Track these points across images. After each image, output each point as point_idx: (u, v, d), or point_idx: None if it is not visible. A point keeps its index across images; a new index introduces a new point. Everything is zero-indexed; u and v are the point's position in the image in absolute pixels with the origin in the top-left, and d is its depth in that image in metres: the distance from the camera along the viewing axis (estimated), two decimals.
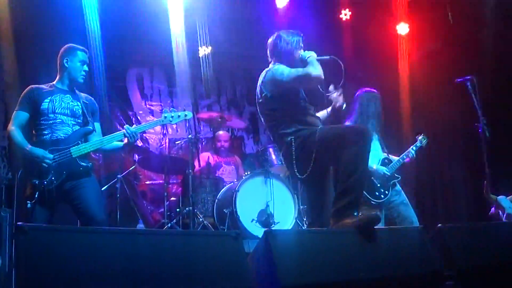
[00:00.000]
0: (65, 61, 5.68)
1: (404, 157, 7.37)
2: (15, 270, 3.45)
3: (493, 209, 7.74)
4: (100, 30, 8.75)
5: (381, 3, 10.59)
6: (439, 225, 5.63)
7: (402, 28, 10.80)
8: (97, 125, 5.83)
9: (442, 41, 10.66)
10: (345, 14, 10.98)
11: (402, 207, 7.15)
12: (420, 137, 7.47)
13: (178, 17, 9.52)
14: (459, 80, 7.36)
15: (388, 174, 7.11)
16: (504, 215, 7.75)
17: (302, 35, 5.85)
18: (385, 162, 7.24)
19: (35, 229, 3.65)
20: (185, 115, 6.12)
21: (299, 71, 5.38)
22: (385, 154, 7.36)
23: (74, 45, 5.80)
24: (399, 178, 7.25)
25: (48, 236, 3.66)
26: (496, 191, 7.84)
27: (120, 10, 9.49)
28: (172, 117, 5.99)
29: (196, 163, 8.88)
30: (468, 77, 7.23)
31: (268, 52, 5.89)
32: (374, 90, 7.35)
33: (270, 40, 5.88)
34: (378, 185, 7.08)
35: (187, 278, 3.89)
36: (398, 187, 7.29)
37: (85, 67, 5.74)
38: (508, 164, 8.97)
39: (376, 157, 7.19)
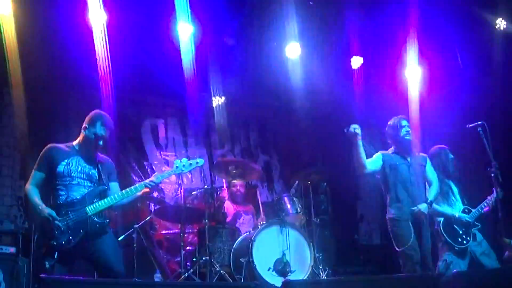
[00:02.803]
0: (84, 127, 5.81)
1: (483, 206, 7.79)
2: None
3: (507, 253, 7.75)
4: (114, 81, 8.88)
5: (390, 50, 10.68)
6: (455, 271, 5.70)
7: (413, 73, 10.86)
8: (114, 185, 5.94)
9: (453, 85, 10.71)
10: (356, 62, 11.06)
11: (483, 258, 7.49)
12: (498, 189, 7.61)
13: (191, 68, 9.64)
14: (470, 125, 7.41)
15: (470, 221, 7.55)
16: None
17: None
18: (465, 211, 7.69)
19: (56, 281, 3.74)
20: (197, 163, 6.13)
21: None
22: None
23: (100, 114, 5.90)
24: (479, 226, 7.65)
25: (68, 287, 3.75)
26: (509, 234, 7.85)
27: (133, 63, 9.65)
28: (184, 166, 6.04)
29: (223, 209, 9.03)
30: (480, 122, 7.28)
31: None
32: (445, 146, 7.96)
33: None
34: (461, 232, 7.50)
35: None
36: (480, 236, 7.65)
37: (100, 142, 5.77)
38: None
39: (458, 206, 7.72)
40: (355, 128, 6.76)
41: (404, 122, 7.21)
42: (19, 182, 9.00)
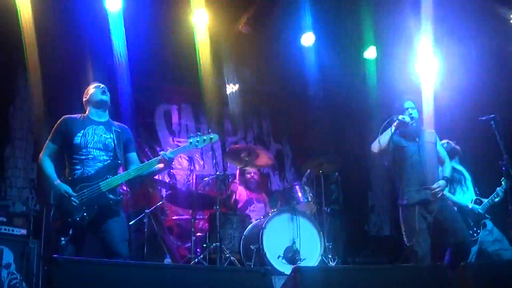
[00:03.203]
0: (85, 101, 5.92)
1: (494, 197, 7.90)
2: None
3: None
4: (129, 67, 8.92)
5: (405, 39, 10.66)
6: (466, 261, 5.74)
7: (426, 63, 10.84)
8: (133, 155, 5.96)
9: (469, 77, 10.69)
10: (370, 52, 11.05)
11: (496, 244, 7.72)
12: (503, 180, 7.63)
13: (206, 55, 9.67)
14: (483, 118, 7.40)
15: (482, 212, 7.72)
16: None
17: None
18: (477, 202, 7.84)
19: (68, 261, 3.79)
20: (211, 138, 6.01)
21: None
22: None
23: (94, 83, 6.02)
24: (489, 217, 7.81)
25: (80, 268, 3.80)
26: None
27: (149, 48, 9.69)
28: (197, 141, 5.91)
29: (233, 198, 9.08)
30: (492, 115, 7.28)
31: None
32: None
33: None
34: (472, 223, 7.66)
35: None
36: (490, 224, 7.82)
37: (102, 97, 5.86)
38: None
39: (470, 196, 7.88)
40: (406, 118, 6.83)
41: (407, 104, 7.07)
42: (31, 164, 9.05)
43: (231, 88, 10.49)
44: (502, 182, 7.66)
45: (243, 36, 10.32)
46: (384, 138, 6.87)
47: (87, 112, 5.89)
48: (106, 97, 5.89)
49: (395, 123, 6.80)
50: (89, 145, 5.62)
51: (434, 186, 6.65)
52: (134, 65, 9.07)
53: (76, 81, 8.95)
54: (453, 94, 10.18)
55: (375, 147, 7.00)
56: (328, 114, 11.66)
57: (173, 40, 9.77)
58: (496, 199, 7.92)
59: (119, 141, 5.80)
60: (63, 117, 5.80)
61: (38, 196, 8.88)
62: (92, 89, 5.90)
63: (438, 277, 5.09)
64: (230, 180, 9.79)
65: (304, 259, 7.62)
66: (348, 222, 11.18)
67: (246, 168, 9.19)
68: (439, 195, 6.65)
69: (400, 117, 6.79)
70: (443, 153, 7.19)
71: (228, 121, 11.01)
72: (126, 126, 6.06)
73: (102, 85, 5.93)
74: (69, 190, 5.40)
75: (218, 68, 10.09)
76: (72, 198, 5.37)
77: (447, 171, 6.97)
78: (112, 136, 5.77)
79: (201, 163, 10.89)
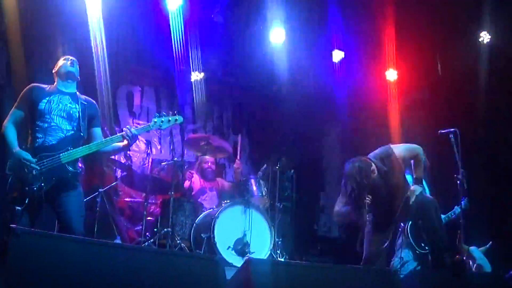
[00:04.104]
0: (53, 70, 5.89)
1: (451, 215, 8.11)
2: (5, 269, 3.57)
3: (464, 258, 7.93)
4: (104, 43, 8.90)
5: (372, 48, 10.79)
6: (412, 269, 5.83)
7: (391, 75, 10.99)
8: (97, 130, 5.90)
9: (430, 90, 10.86)
10: (337, 55, 11.14)
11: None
12: (464, 201, 7.71)
13: (175, 40, 9.66)
14: (442, 132, 7.49)
15: None
16: (474, 266, 7.97)
17: None
18: None
19: (26, 232, 3.77)
20: (176, 120, 5.95)
21: None
22: None
23: (64, 56, 5.98)
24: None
25: (37, 240, 3.79)
26: (468, 242, 8.05)
27: (117, 29, 9.64)
28: (162, 121, 5.85)
29: (186, 183, 9.07)
30: (452, 129, 7.36)
31: None
32: None
33: None
34: (426, 238, 7.42)
35: None
36: None
37: (69, 68, 5.82)
38: (481, 216, 9.18)
39: None
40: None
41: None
42: None
43: (196, 76, 10.47)
44: (464, 202, 7.75)
45: (214, 25, 10.32)
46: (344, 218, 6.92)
47: (55, 83, 5.85)
48: (74, 69, 5.84)
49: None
50: (53, 112, 5.56)
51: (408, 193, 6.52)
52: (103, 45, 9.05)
53: (44, 55, 8.92)
54: (413, 106, 10.35)
55: (338, 219, 7.20)
56: (290, 113, 11.71)
57: (142, 21, 9.74)
58: (453, 217, 8.08)
59: (84, 114, 5.73)
60: (31, 84, 5.77)
61: None
62: (62, 61, 5.86)
63: (386, 281, 5.17)
64: (186, 166, 9.79)
65: (253, 252, 7.70)
66: (298, 220, 11.22)
67: (204, 156, 9.20)
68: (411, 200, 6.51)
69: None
70: (410, 153, 6.74)
71: (189, 108, 10.99)
72: (93, 101, 6.00)
73: (71, 58, 5.89)
74: (29, 156, 5.34)
75: (185, 54, 10.06)
76: (32, 165, 5.30)
77: (419, 173, 6.67)
78: (77, 107, 5.72)
79: (158, 147, 10.88)
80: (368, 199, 6.42)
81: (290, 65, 10.64)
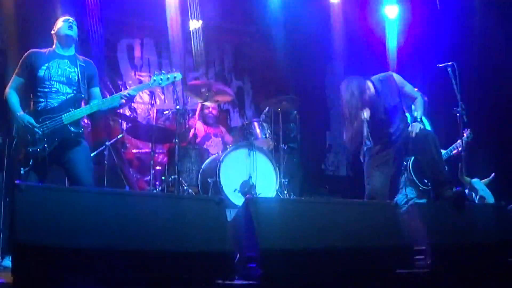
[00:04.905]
0: (52, 31, 5.93)
1: (452, 149, 8.17)
2: (12, 224, 3.69)
3: (467, 190, 8.01)
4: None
5: None
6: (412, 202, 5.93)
7: (391, 12, 10.96)
8: (96, 90, 6.03)
9: (429, 26, 10.83)
10: None
11: None
12: (467, 133, 7.76)
13: None
14: (440, 65, 7.51)
15: None
16: (477, 197, 8.06)
17: None
18: None
19: (31, 187, 3.91)
20: (174, 77, 6.16)
21: None
22: None
23: (64, 16, 6.01)
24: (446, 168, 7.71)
25: (42, 194, 3.91)
26: (470, 174, 8.13)
27: None
28: (161, 79, 6.06)
29: (191, 132, 9.13)
30: (450, 63, 7.37)
31: None
32: None
33: None
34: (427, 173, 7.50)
35: (171, 239, 4.14)
36: None
37: (67, 32, 5.86)
38: (483, 148, 9.25)
39: None
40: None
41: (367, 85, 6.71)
42: None
43: (194, 24, 10.48)
44: (465, 134, 7.80)
45: None
46: (356, 139, 6.67)
47: (53, 46, 5.93)
48: (72, 32, 5.90)
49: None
50: (52, 78, 5.69)
51: (410, 129, 6.48)
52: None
53: (45, 15, 8.94)
54: (413, 41, 10.35)
55: (351, 145, 6.82)
56: (290, 54, 11.72)
57: None
58: (454, 152, 8.14)
59: (83, 75, 5.86)
60: (29, 50, 5.86)
61: (1, 128, 8.87)
62: (60, 23, 5.91)
63: (387, 214, 5.27)
64: (190, 115, 9.89)
65: (260, 193, 7.82)
66: (305, 160, 11.34)
67: (205, 103, 9.29)
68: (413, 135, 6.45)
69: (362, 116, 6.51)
70: (411, 91, 6.84)
71: (190, 57, 11.02)
72: (91, 61, 6.10)
73: (70, 19, 5.93)
74: (32, 120, 5.51)
75: (182, 3, 10.08)
76: (35, 129, 5.47)
77: (419, 112, 6.65)
78: (76, 70, 5.83)
79: (162, 97, 10.93)
80: (365, 114, 6.51)
81: (286, 7, 10.66)
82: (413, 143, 6.45)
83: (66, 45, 5.90)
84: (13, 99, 5.69)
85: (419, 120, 6.60)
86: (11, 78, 5.87)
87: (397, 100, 6.66)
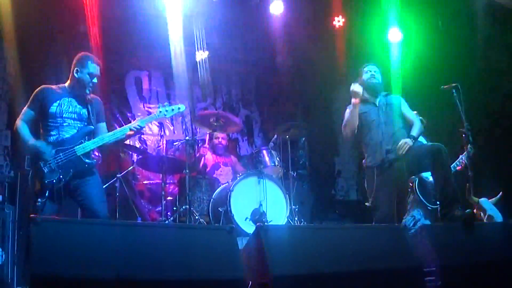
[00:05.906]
0: (75, 70, 5.91)
1: (455, 165, 8.04)
2: (28, 257, 3.76)
3: (474, 211, 8.00)
4: (100, 33, 9.03)
5: (373, 10, 10.83)
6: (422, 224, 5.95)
7: (394, 35, 11.04)
8: (102, 125, 6.12)
9: (433, 47, 10.88)
10: (338, 21, 11.25)
11: None
12: (469, 147, 7.79)
13: (177, 22, 9.82)
14: (444, 87, 7.56)
15: None
16: (485, 217, 8.03)
17: None
18: None
19: (46, 220, 3.99)
20: (179, 108, 6.35)
21: None
22: None
23: (87, 55, 6.01)
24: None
25: (57, 227, 3.99)
26: (478, 194, 8.12)
27: (119, 15, 9.81)
28: (166, 111, 6.25)
29: (201, 162, 9.20)
30: (454, 84, 7.42)
31: None
32: None
33: None
34: (434, 192, 7.53)
35: (184, 268, 4.20)
36: None
37: (95, 80, 5.92)
38: (490, 167, 9.26)
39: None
40: (355, 87, 6.76)
41: (367, 68, 7.08)
42: (5, 131, 9.12)
43: (201, 55, 10.61)
44: (468, 148, 7.82)
45: (213, 3, 10.41)
46: (351, 121, 6.86)
47: (67, 83, 5.99)
48: (95, 81, 5.97)
49: (352, 100, 6.81)
50: (64, 115, 5.78)
51: (399, 143, 6.55)
52: (105, 30, 9.20)
53: (51, 48, 9.07)
54: (416, 63, 10.40)
55: (347, 131, 6.96)
56: (296, 81, 11.83)
57: (144, 4, 9.86)
58: (458, 168, 8.13)
59: (92, 112, 5.97)
60: (41, 86, 5.92)
61: (13, 163, 8.96)
62: (87, 75, 5.90)
63: (397, 238, 5.31)
64: (199, 145, 9.96)
65: (271, 221, 7.86)
66: (315, 186, 11.39)
67: (215, 133, 9.37)
68: (403, 152, 6.53)
69: (352, 86, 6.80)
70: (411, 114, 7.01)
71: (197, 88, 11.14)
72: (98, 98, 6.18)
73: (95, 80, 5.95)
74: (44, 147, 5.57)
75: (188, 35, 10.21)
76: (46, 153, 5.53)
77: (415, 131, 6.75)
78: (85, 108, 5.93)
79: (171, 128, 11.02)
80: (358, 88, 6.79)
81: (291, 36, 10.78)
82: (427, 157, 6.48)
83: (85, 88, 5.94)
84: (24, 129, 5.73)
85: (416, 137, 6.72)
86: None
87: (400, 122, 6.86)
